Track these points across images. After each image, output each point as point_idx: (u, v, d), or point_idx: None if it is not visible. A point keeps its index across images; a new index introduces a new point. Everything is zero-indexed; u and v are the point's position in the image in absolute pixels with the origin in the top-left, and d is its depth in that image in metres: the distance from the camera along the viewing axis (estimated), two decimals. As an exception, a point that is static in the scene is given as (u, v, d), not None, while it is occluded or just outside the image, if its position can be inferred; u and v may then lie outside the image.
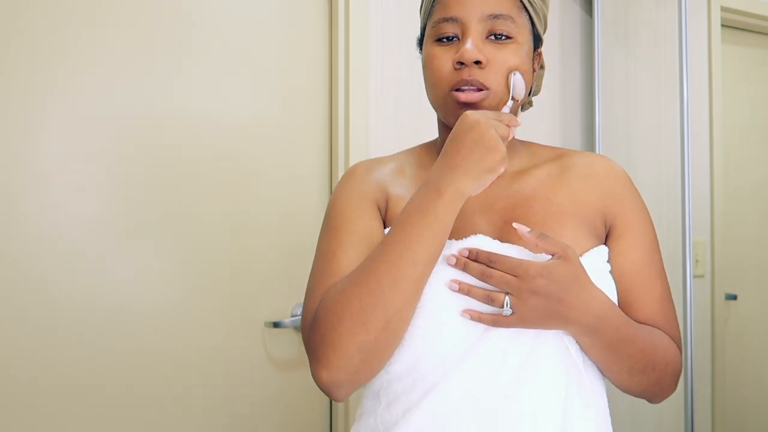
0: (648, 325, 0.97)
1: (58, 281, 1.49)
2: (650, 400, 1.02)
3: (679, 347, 1.01)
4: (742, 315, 2.25)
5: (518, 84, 0.93)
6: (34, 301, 1.47)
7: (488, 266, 0.86)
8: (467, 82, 0.92)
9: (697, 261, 2.08)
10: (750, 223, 2.30)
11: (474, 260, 0.88)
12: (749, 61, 2.37)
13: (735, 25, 2.28)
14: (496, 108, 0.94)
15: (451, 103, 0.94)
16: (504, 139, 0.87)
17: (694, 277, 1.88)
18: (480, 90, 0.92)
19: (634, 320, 0.96)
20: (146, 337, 1.58)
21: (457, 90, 0.93)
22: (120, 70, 1.57)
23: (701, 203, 2.11)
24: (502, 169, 0.85)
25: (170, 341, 1.61)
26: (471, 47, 0.91)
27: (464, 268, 0.88)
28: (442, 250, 0.87)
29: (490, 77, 0.92)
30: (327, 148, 1.83)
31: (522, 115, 2.06)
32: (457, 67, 0.92)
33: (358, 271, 0.87)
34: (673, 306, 1.02)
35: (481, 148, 0.84)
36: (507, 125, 0.88)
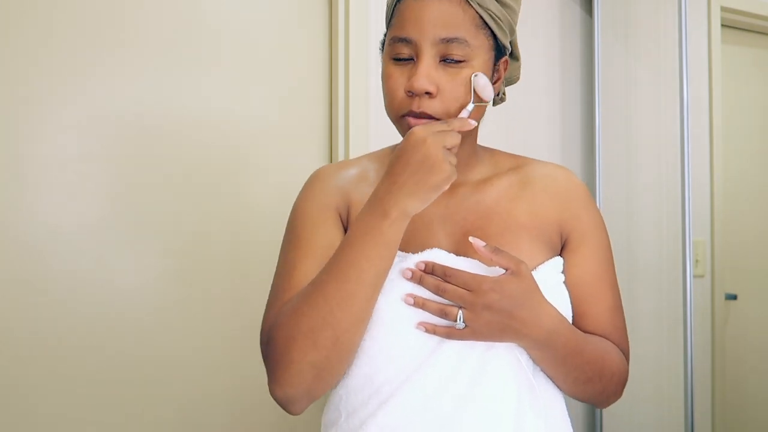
0: (598, 335, 1.00)
1: (57, 281, 1.49)
2: (596, 406, 1.06)
3: (627, 357, 1.04)
4: (742, 315, 2.25)
5: (482, 86, 0.91)
6: (33, 302, 1.47)
7: (443, 280, 0.88)
8: (416, 114, 0.92)
9: (697, 261, 2.08)
10: (750, 223, 2.30)
11: (430, 274, 0.90)
12: (749, 61, 2.37)
13: (735, 25, 2.28)
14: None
15: (405, 125, 0.94)
16: (453, 147, 0.86)
17: (694, 277, 1.88)
18: (431, 119, 0.92)
19: (586, 330, 0.99)
20: (146, 339, 1.58)
21: (410, 115, 0.93)
22: (119, 70, 1.57)
23: (701, 203, 2.11)
24: (446, 186, 0.86)
25: (170, 343, 1.61)
26: (421, 77, 0.90)
27: (419, 282, 0.90)
28: (390, 267, 0.88)
29: (440, 107, 0.91)
30: (327, 148, 1.83)
31: (522, 116, 2.06)
32: (409, 95, 0.92)
33: (309, 289, 0.88)
34: (623, 317, 1.05)
35: (426, 167, 0.84)
36: (459, 131, 0.88)
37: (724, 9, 2.18)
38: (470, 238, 0.90)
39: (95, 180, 1.54)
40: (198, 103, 1.66)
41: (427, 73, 0.91)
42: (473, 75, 0.91)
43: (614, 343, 1.01)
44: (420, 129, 0.86)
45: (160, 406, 1.59)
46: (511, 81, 1.08)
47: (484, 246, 0.89)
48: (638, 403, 1.96)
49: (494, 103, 1.09)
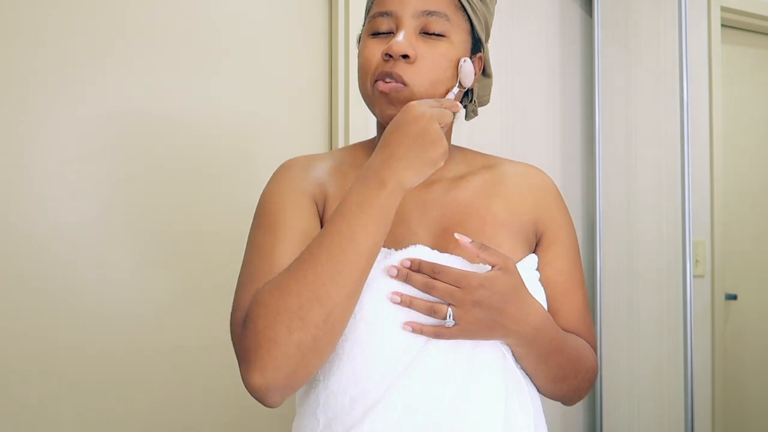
0: (570, 332, 0.99)
1: (56, 281, 1.49)
2: (565, 403, 1.04)
3: (596, 353, 1.04)
4: (742, 315, 2.26)
5: (466, 72, 0.92)
6: (32, 301, 1.47)
7: (431, 277, 0.85)
8: (390, 75, 0.90)
9: (697, 261, 2.08)
10: (750, 223, 2.31)
11: (416, 271, 0.86)
12: (749, 61, 2.37)
13: (735, 25, 2.29)
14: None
15: (375, 93, 0.93)
16: (446, 126, 0.86)
17: (694, 277, 1.88)
18: (403, 85, 0.91)
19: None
20: (145, 338, 1.58)
21: (383, 77, 0.91)
22: (119, 70, 1.57)
23: (701, 203, 2.11)
24: (442, 163, 0.84)
25: (169, 342, 1.61)
26: (401, 40, 0.89)
27: (406, 280, 0.86)
28: (383, 241, 0.84)
29: (414, 74, 0.91)
30: (327, 148, 1.83)
31: (522, 116, 2.06)
32: (386, 59, 0.91)
33: (295, 265, 0.82)
34: (591, 314, 1.06)
35: (424, 140, 0.82)
36: (450, 110, 0.87)
37: (724, 9, 2.18)
38: (456, 235, 0.88)
39: (94, 180, 1.54)
40: (197, 102, 1.66)
41: (407, 38, 0.90)
42: (462, 60, 0.92)
43: (585, 340, 1.01)
44: (417, 103, 0.84)
45: (159, 406, 1.59)
46: (482, 101, 1.08)
47: (471, 242, 0.87)
48: (638, 403, 1.96)
49: (467, 117, 1.08)
